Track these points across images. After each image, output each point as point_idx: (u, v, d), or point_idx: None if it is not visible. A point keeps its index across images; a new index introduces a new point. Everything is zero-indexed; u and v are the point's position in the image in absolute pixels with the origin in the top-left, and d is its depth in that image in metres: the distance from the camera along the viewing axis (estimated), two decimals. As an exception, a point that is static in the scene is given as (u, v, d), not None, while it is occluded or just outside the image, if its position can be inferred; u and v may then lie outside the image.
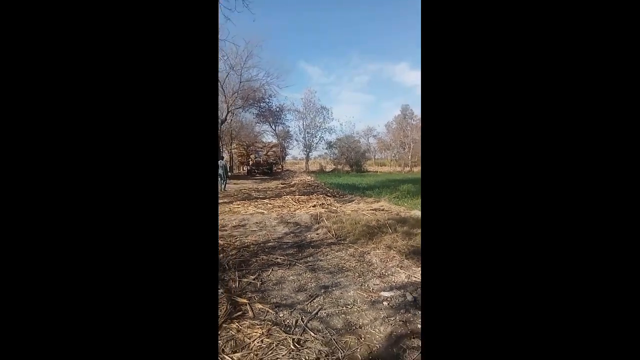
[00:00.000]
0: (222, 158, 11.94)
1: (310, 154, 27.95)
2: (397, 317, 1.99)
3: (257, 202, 7.19)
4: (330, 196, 8.01)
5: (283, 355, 1.59)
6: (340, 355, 1.60)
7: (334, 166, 27.38)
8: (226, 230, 4.39)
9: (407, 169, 29.94)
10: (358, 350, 1.65)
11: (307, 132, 26.71)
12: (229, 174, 14.98)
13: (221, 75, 14.86)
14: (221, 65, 14.75)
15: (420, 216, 4.65)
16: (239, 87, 16.58)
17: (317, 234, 4.20)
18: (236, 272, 2.72)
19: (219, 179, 8.93)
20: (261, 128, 25.93)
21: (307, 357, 1.57)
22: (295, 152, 31.66)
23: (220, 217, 5.05)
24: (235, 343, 1.69)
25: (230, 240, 3.82)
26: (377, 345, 1.69)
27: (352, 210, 5.60)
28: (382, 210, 5.50)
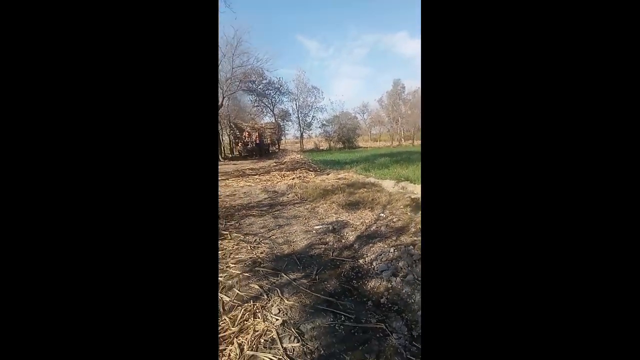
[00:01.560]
0: None
1: (305, 132, 28.96)
2: (318, 237, 3.32)
3: (248, 177, 8.50)
4: (312, 171, 9.28)
5: (243, 252, 2.94)
6: (275, 251, 2.95)
7: (328, 144, 28.41)
8: (219, 198, 5.74)
9: (396, 143, 30.84)
10: (286, 250, 3.00)
11: (300, 112, 27.60)
12: (230, 155, 16.19)
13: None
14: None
15: (370, 181, 5.92)
16: (232, 73, 17.44)
17: (287, 197, 5.55)
18: (223, 220, 4.08)
19: None
20: (259, 110, 26.67)
21: (256, 252, 2.92)
22: (294, 131, 32.34)
23: (215, 190, 6.41)
24: (218, 248, 3.05)
25: (221, 204, 5.17)
26: (298, 248, 3.04)
27: (320, 180, 6.95)
28: (345, 179, 6.82)
